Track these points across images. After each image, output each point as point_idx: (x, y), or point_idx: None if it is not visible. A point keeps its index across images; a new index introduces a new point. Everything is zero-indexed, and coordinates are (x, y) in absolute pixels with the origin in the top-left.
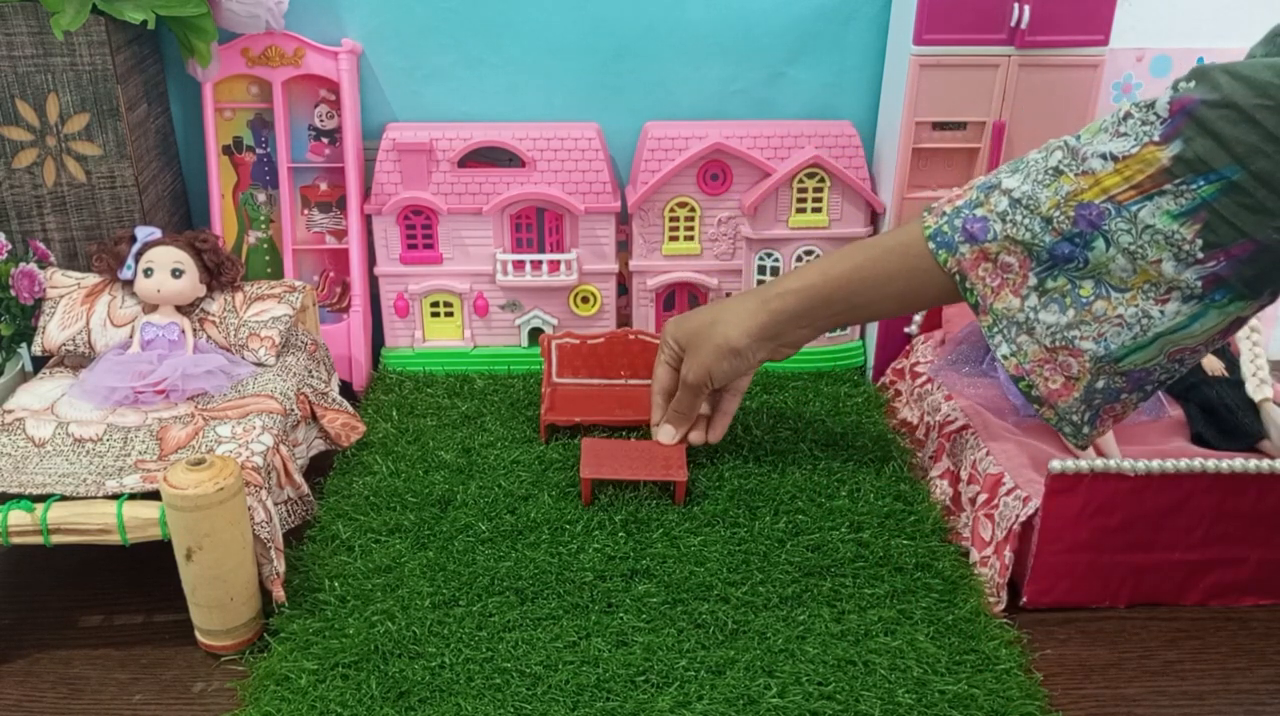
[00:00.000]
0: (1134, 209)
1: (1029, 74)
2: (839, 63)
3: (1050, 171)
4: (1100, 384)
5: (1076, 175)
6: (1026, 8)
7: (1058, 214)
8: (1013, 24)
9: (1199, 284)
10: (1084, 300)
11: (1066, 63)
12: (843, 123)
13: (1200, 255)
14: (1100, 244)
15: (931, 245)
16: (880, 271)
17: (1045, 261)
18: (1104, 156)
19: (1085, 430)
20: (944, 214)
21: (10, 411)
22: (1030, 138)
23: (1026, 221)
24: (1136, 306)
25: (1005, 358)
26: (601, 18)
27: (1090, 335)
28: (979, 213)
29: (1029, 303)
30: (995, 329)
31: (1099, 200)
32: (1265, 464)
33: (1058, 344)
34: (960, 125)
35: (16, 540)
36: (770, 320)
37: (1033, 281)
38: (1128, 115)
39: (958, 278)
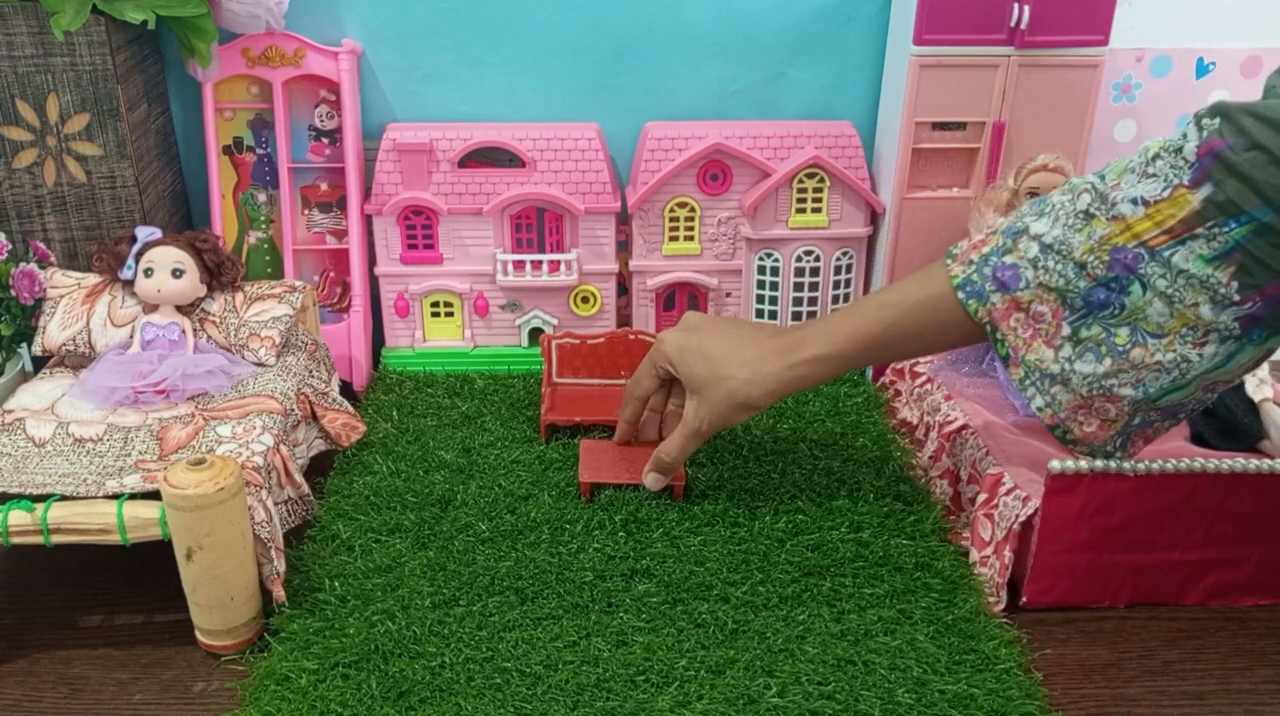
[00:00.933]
0: (1167, 254)
1: (1029, 74)
2: (839, 63)
3: (1080, 215)
4: (1137, 420)
5: (1108, 219)
6: (1026, 8)
7: (1091, 259)
8: (1013, 24)
9: (1235, 325)
10: (1120, 348)
11: (1066, 63)
12: (843, 123)
13: (1236, 298)
14: (1136, 289)
15: (961, 295)
16: (909, 329)
17: (1080, 309)
18: (1134, 201)
19: (1118, 455)
20: (971, 262)
21: (10, 411)
22: (1030, 138)
23: (1059, 267)
24: (1174, 352)
25: (1040, 409)
26: (601, 18)
27: (1128, 382)
28: (1008, 259)
29: (1063, 353)
30: (1028, 382)
31: (1132, 245)
32: (1265, 464)
33: (1094, 392)
34: (960, 125)
35: (16, 540)
36: (794, 385)
37: (1066, 331)
38: (1156, 157)
39: (989, 327)
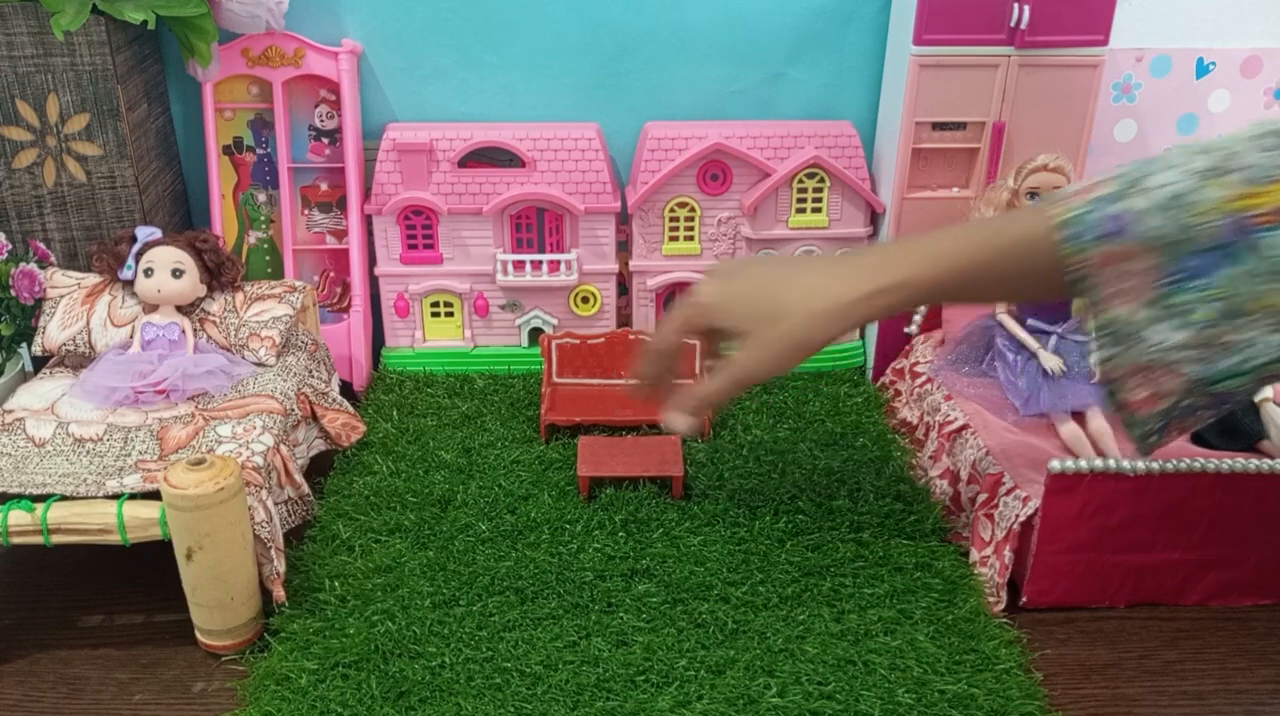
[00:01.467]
0: (1271, 234)
1: (1029, 74)
2: (839, 63)
3: (1197, 175)
4: (1186, 403)
5: (1224, 186)
6: (1026, 8)
7: (1202, 221)
8: (1012, 24)
9: None
10: (1199, 323)
11: (1066, 63)
12: (843, 123)
13: None
14: (1233, 262)
15: (1060, 235)
16: (1000, 270)
17: (1174, 273)
18: (1254, 168)
19: (1153, 439)
20: (1079, 206)
21: (10, 411)
22: (1030, 138)
23: (1166, 226)
24: (1248, 334)
25: (1101, 362)
26: (601, 18)
27: (1196, 359)
28: (1117, 208)
29: (1140, 316)
30: (1103, 333)
31: (1241, 216)
32: (1265, 464)
33: (1157, 362)
34: (960, 125)
35: (16, 540)
36: (867, 317)
37: (1154, 294)
38: (1276, 132)
39: (1079, 275)
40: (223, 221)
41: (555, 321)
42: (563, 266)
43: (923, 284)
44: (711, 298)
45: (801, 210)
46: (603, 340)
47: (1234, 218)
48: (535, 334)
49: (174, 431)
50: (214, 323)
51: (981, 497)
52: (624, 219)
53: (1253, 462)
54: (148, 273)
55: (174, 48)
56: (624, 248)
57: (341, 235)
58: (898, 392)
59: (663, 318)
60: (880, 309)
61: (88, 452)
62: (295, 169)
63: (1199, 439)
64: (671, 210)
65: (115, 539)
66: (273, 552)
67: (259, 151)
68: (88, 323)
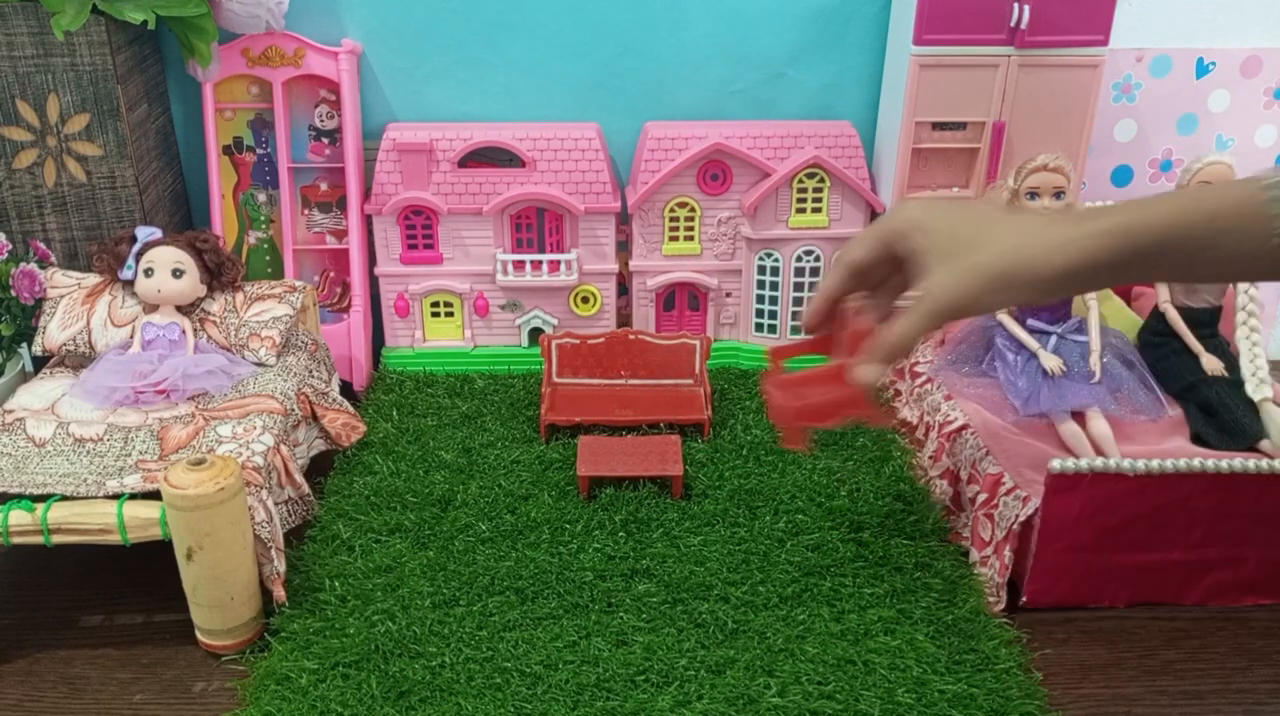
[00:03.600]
0: None
1: (1029, 74)
2: (839, 63)
3: None
4: None
5: None
6: (1026, 8)
7: None
8: (1012, 24)
9: None
10: None
11: (1066, 63)
12: (843, 123)
13: None
14: None
15: (1269, 195)
16: (1211, 228)
17: None
18: None
19: None
20: None
21: (11, 411)
22: (1030, 138)
23: None
24: None
25: None
26: (601, 18)
27: None
28: None
29: None
30: None
31: None
32: (1265, 464)
33: None
34: (960, 125)
35: (17, 540)
36: (1083, 261)
37: None
38: None
39: None
40: (223, 221)
41: (555, 321)
42: (563, 266)
43: (1137, 231)
44: (914, 213)
45: (801, 210)
46: (603, 340)
47: None
48: (535, 334)
49: (174, 431)
50: (214, 322)
51: (981, 497)
52: (624, 219)
53: (1253, 462)
54: (148, 273)
55: (174, 48)
56: (624, 248)
57: (341, 235)
58: (898, 393)
59: (845, 247)
60: (1093, 254)
61: (88, 452)
62: (295, 169)
63: (1199, 439)
64: (671, 210)
65: (115, 539)
66: (273, 552)
67: (259, 151)
68: (88, 322)
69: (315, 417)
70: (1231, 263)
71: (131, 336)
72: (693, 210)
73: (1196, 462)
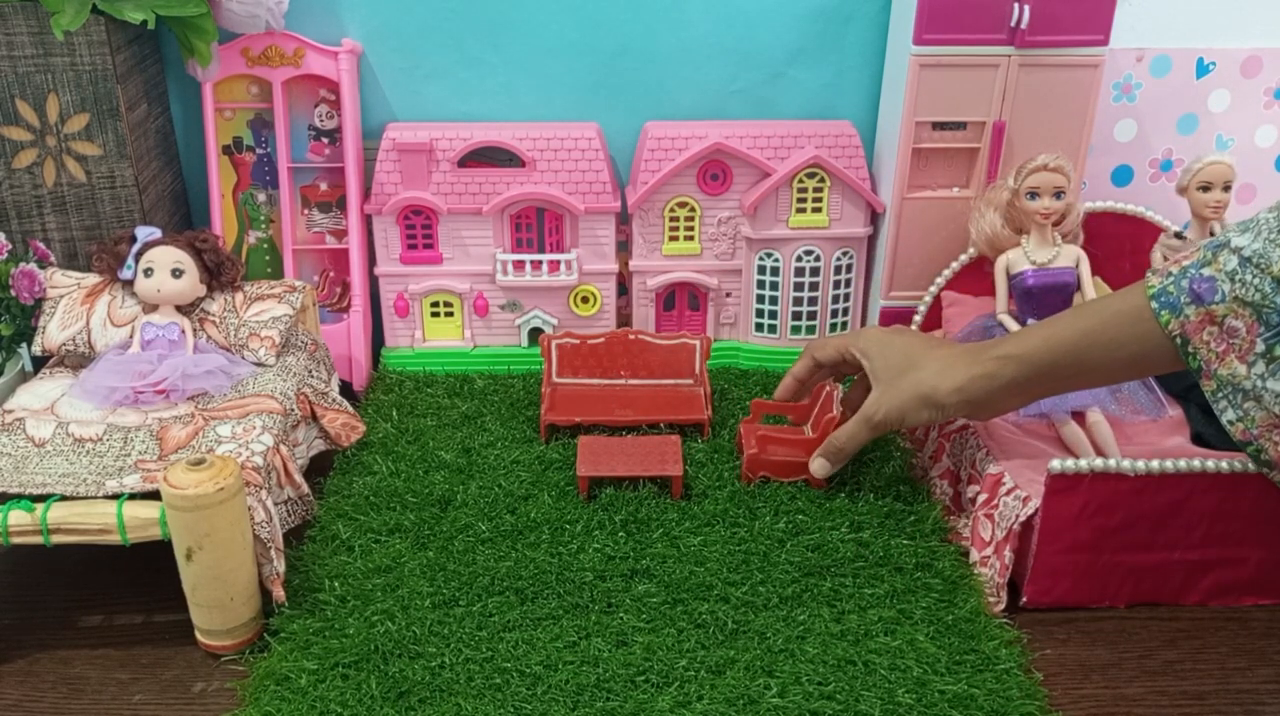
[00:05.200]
0: None
1: (1029, 74)
2: (839, 63)
3: (1274, 234)
4: None
5: None
6: (1026, 8)
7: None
8: (1013, 24)
9: None
10: None
11: (1066, 63)
12: (843, 123)
13: None
14: None
15: (1154, 305)
16: (1102, 340)
17: (1275, 326)
18: None
19: None
20: (1169, 274)
21: (10, 411)
22: (1030, 138)
23: (1256, 282)
24: None
25: (1231, 422)
26: (601, 18)
27: None
28: (1206, 272)
29: (1255, 370)
30: (1220, 394)
31: None
32: None
33: None
34: (960, 125)
35: (16, 540)
36: (985, 384)
37: (1260, 347)
38: None
39: (1179, 340)
40: (222, 221)
41: (555, 321)
42: (562, 266)
43: (1023, 357)
44: (874, 338)
45: (802, 210)
46: (603, 340)
47: None
48: (535, 334)
49: (174, 431)
50: (214, 323)
51: (981, 497)
52: (624, 219)
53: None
54: (147, 273)
55: (174, 48)
56: (624, 247)
57: (341, 235)
58: None
59: (815, 342)
60: (988, 377)
61: (88, 452)
62: (295, 169)
63: (1199, 439)
64: (671, 210)
65: (115, 539)
66: (272, 552)
67: (259, 151)
68: (87, 322)
69: (315, 418)
70: (1133, 364)
71: (131, 336)
72: (693, 210)
73: (1197, 463)
